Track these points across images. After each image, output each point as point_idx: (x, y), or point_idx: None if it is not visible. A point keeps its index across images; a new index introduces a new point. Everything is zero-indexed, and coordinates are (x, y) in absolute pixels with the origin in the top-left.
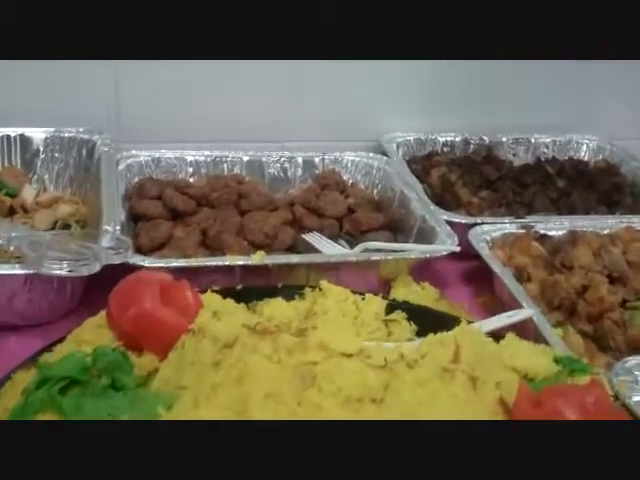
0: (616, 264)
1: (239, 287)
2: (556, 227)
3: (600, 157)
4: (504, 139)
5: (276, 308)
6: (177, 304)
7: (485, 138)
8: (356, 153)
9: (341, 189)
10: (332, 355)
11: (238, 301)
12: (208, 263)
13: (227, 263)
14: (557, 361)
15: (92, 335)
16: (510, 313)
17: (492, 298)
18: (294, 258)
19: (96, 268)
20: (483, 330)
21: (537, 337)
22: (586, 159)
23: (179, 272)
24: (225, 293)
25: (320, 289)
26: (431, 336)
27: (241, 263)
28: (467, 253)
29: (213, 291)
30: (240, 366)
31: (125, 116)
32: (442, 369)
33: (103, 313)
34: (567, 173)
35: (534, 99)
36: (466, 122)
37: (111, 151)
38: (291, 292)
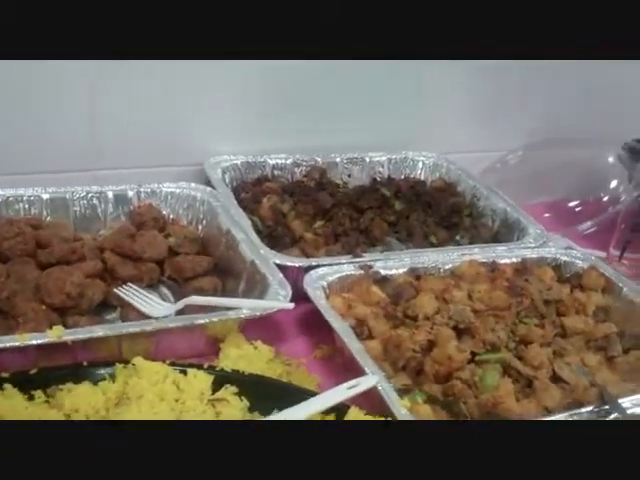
0: (462, 314)
1: (34, 371)
2: (397, 265)
3: (437, 175)
4: (338, 159)
5: (79, 396)
6: None
7: (318, 159)
8: (176, 184)
9: (160, 226)
10: None
11: (34, 388)
12: None
13: (17, 344)
14: None
15: None
16: (352, 382)
17: (333, 349)
18: (99, 330)
19: None
20: (322, 407)
21: (382, 407)
22: (422, 177)
23: None
24: (16, 380)
25: (133, 365)
26: None
27: (34, 343)
28: (305, 296)
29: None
30: None
31: None
32: None
33: None
34: (404, 194)
35: (368, 116)
36: (298, 142)
37: None
38: (98, 372)
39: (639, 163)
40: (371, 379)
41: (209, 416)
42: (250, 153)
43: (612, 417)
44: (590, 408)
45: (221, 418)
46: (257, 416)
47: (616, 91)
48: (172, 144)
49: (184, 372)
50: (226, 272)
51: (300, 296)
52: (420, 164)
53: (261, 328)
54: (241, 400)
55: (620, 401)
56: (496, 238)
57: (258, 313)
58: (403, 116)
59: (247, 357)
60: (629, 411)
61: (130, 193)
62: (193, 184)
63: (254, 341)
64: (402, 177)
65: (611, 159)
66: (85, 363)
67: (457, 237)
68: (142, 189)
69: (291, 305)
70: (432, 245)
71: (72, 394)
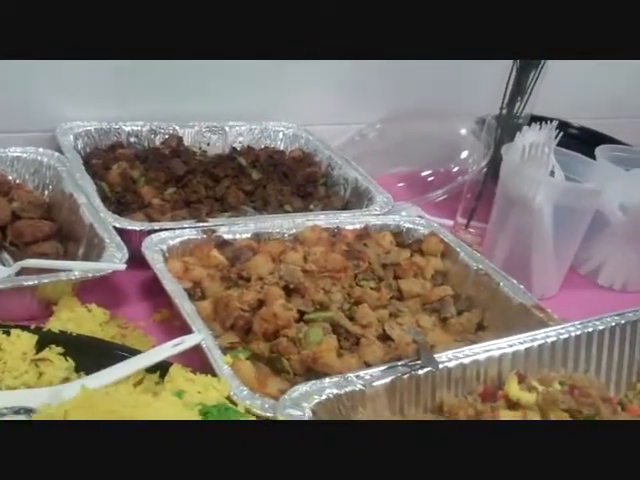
0: (292, 275)
1: None
2: (241, 230)
3: (296, 145)
4: (196, 128)
5: None
6: None
7: (176, 127)
8: (23, 148)
9: (5, 191)
10: None
11: None
12: None
13: None
14: (206, 413)
15: None
16: (176, 341)
17: (172, 313)
18: None
19: None
20: (145, 364)
21: (206, 365)
22: (282, 148)
23: None
24: None
25: None
26: (42, 407)
27: None
28: (146, 263)
29: None
30: None
31: None
32: None
33: None
34: (262, 164)
35: (229, 85)
36: (156, 108)
37: None
38: None
39: (489, 137)
40: (196, 337)
41: (31, 376)
42: (105, 119)
43: (425, 370)
44: (405, 361)
45: (44, 378)
46: (82, 376)
47: (471, 69)
48: (23, 109)
49: (7, 332)
50: (68, 237)
51: (143, 261)
52: (280, 134)
53: (100, 292)
54: (66, 360)
55: (436, 356)
56: (347, 207)
57: (90, 275)
58: (264, 87)
59: (78, 319)
60: (442, 365)
61: None
62: (41, 149)
63: (89, 304)
64: (262, 147)
65: (463, 131)
66: None
67: (311, 206)
68: None
69: (123, 266)
70: (286, 213)
71: None
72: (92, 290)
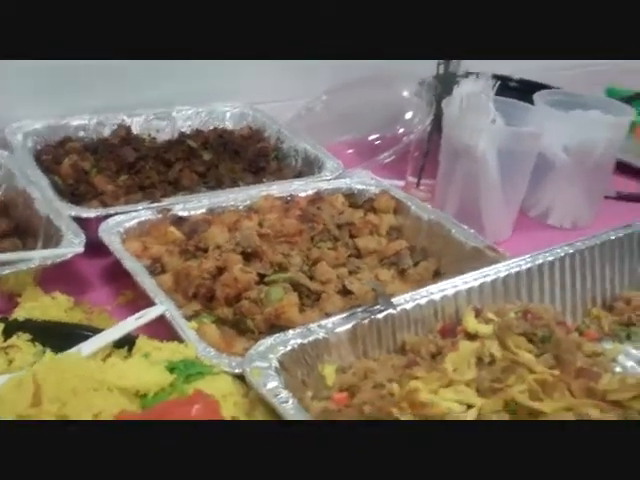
0: (248, 239)
1: None
2: (196, 207)
3: (244, 123)
4: (144, 116)
5: None
6: None
7: (124, 117)
8: None
9: None
10: None
11: None
12: None
13: None
14: (173, 369)
15: None
16: (139, 314)
17: (135, 294)
18: None
19: None
20: (111, 339)
21: (172, 333)
22: (230, 127)
23: None
24: None
25: None
26: (10, 377)
27: None
28: (106, 249)
29: None
30: None
31: None
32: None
33: None
34: (212, 145)
35: (172, 70)
36: (102, 101)
37: None
38: None
39: (430, 95)
40: (159, 308)
41: (1, 363)
42: (53, 116)
43: (385, 314)
44: (364, 307)
45: (15, 364)
46: None
47: None
48: None
49: None
50: (26, 232)
51: (102, 247)
52: (228, 114)
53: (62, 281)
54: (34, 346)
55: (394, 299)
56: (299, 177)
57: (49, 261)
58: (207, 70)
59: (43, 307)
60: (400, 307)
61: None
62: None
63: (53, 293)
64: (211, 128)
65: (406, 94)
66: None
67: (264, 180)
68: None
69: (81, 249)
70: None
71: None
72: (55, 279)
